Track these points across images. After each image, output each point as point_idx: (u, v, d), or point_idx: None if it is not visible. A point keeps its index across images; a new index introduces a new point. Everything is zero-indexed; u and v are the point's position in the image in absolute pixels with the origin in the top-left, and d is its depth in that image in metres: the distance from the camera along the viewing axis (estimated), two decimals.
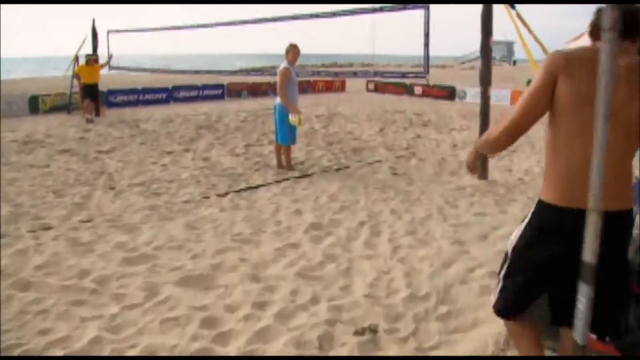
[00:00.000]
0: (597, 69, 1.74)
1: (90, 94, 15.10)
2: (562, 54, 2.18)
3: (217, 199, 7.19)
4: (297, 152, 10.28)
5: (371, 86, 28.44)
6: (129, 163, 9.59)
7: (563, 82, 2.13)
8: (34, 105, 17.09)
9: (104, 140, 12.06)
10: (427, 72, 10.67)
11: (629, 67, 2.11)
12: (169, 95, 20.91)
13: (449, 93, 24.80)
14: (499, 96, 23.93)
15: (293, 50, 8.61)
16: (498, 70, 58.20)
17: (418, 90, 25.99)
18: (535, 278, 2.34)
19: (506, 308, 2.49)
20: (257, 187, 7.81)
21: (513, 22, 7.37)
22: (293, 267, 4.76)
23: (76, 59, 15.86)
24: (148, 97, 20.20)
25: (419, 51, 11.27)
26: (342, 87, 28.53)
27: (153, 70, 21.77)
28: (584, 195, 1.87)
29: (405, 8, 10.52)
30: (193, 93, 21.80)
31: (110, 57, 16.89)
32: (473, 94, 24.54)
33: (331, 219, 6.19)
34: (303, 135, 12.52)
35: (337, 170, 8.92)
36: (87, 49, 16.26)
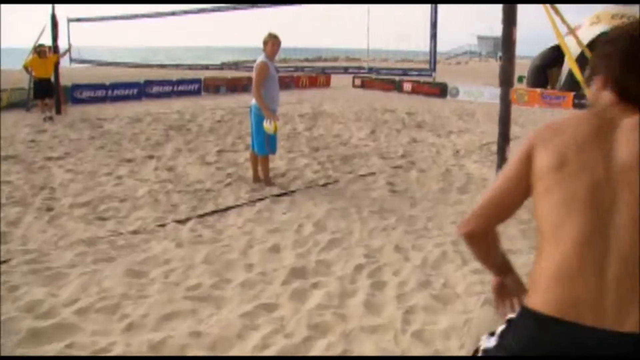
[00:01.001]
0: (585, 128, 1.49)
1: (44, 90, 13.51)
2: (545, 124, 1.62)
3: (175, 227, 5.77)
4: (278, 160, 8.87)
5: (358, 82, 27.06)
6: (80, 174, 8.11)
7: (540, 151, 1.55)
8: None
9: (58, 144, 10.54)
10: (434, 69, 9.24)
11: (635, 122, 1.47)
12: (140, 90, 19.34)
13: (441, 90, 23.53)
14: (494, 94, 22.74)
15: (272, 42, 7.20)
16: (486, 67, 57.33)
17: (407, 86, 24.68)
18: None
19: None
20: (226, 209, 6.40)
21: (552, 22, 6.10)
22: (266, 349, 3.37)
23: (35, 50, 14.20)
24: (117, 92, 18.62)
25: (418, 45, 9.89)
26: (326, 83, 27.13)
27: (127, 65, 19.84)
28: (590, 303, 1.34)
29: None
30: (167, 88, 20.26)
31: (68, 48, 15.27)
32: (465, 91, 23.36)
33: (318, 261, 4.80)
34: (285, 138, 11.11)
35: (324, 185, 7.52)
36: (47, 40, 14.63)
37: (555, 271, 1.44)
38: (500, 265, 1.81)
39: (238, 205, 6.52)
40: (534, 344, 1.43)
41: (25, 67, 13.29)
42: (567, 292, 1.41)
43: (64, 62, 14.18)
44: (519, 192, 1.62)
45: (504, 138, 6.62)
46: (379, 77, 25.15)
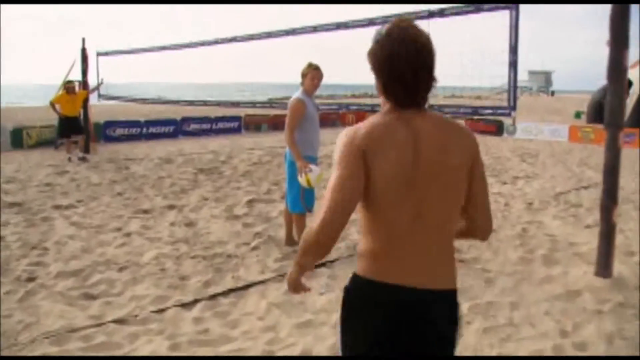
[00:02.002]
0: (403, 139, 1.80)
1: (70, 128, 12.60)
2: (359, 129, 1.84)
3: (177, 313, 4.41)
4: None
5: None
6: (84, 229, 6.92)
7: (375, 158, 1.79)
8: (18, 138, 14.76)
9: (75, 189, 9.46)
10: (514, 106, 7.41)
11: (435, 127, 1.84)
12: (177, 128, 18.44)
13: (497, 127, 21.83)
14: (555, 132, 20.95)
15: (312, 74, 5.87)
16: (538, 102, 55.01)
17: (460, 123, 23.05)
18: None
19: None
20: (247, 287, 4.99)
21: None
22: None
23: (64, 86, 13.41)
24: (153, 130, 17.74)
25: (481, 79, 8.40)
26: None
27: (160, 101, 18.88)
28: (409, 270, 1.83)
29: (480, 9, 7.56)
30: (205, 126, 19.31)
31: (99, 83, 14.44)
32: (524, 129, 21.58)
33: None
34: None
35: None
36: (76, 75, 13.86)
37: (382, 246, 1.84)
38: (308, 269, 2.01)
39: (262, 282, 5.10)
40: (368, 301, 1.84)
41: (52, 104, 12.46)
42: (394, 262, 1.83)
43: (92, 99, 13.32)
44: (357, 196, 1.80)
45: (610, 196, 5.03)
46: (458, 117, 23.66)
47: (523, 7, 7.41)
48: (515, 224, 7.22)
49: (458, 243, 6.21)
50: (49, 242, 6.35)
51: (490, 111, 7.99)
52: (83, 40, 13.55)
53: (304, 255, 1.90)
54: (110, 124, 16.87)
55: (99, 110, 14.78)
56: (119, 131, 16.94)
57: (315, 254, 1.88)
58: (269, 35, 12.78)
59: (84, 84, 13.75)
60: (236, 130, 20.55)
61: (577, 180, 10.89)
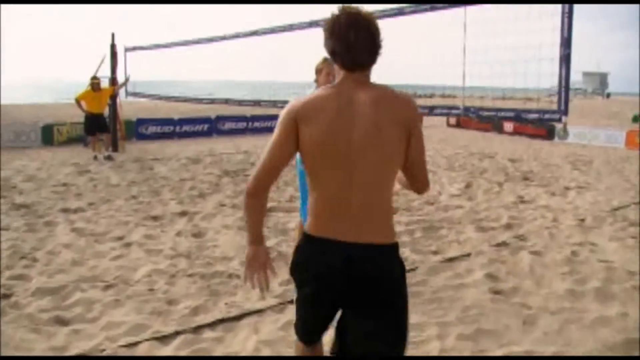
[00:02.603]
0: (334, 105, 2.04)
1: (96, 125, 12.24)
2: (298, 100, 2.12)
3: (150, 348, 3.75)
4: None
5: (452, 121, 24.59)
6: (84, 237, 6.40)
7: (305, 125, 2.05)
8: (48, 135, 14.58)
9: (91, 190, 9.02)
10: (565, 111, 6.45)
11: (370, 96, 2.07)
12: (211, 127, 17.98)
13: (547, 131, 20.51)
14: (611, 137, 19.48)
15: (328, 69, 5.11)
16: (592, 105, 52.35)
17: (508, 126, 21.85)
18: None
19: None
20: (240, 317, 4.30)
21: None
22: None
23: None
24: (186, 128, 17.34)
25: (530, 79, 7.43)
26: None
27: (192, 100, 18.36)
28: (339, 226, 2.07)
29: None
30: (241, 125, 18.80)
31: (126, 79, 14.06)
32: (577, 133, 20.17)
33: None
34: None
35: None
36: (107, 71, 13.51)
37: (321, 206, 2.12)
38: (260, 233, 2.20)
39: (259, 311, 4.39)
40: (310, 255, 2.16)
41: (77, 101, 12.14)
42: (328, 220, 2.10)
43: (121, 95, 12.95)
44: (286, 157, 2.12)
45: None
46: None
47: (577, 8, 6.42)
48: (564, 245, 6.28)
49: (495, 268, 5.34)
50: (42, 251, 5.84)
51: (536, 115, 6.99)
52: (112, 35, 13.20)
53: (244, 212, 2.19)
54: (142, 121, 16.56)
55: (126, 107, 14.38)
56: (152, 129, 16.61)
57: (248, 206, 2.15)
58: (310, 25, 11.86)
59: (113, 80, 13.41)
60: (272, 130, 19.95)
61: (636, 192, 9.75)
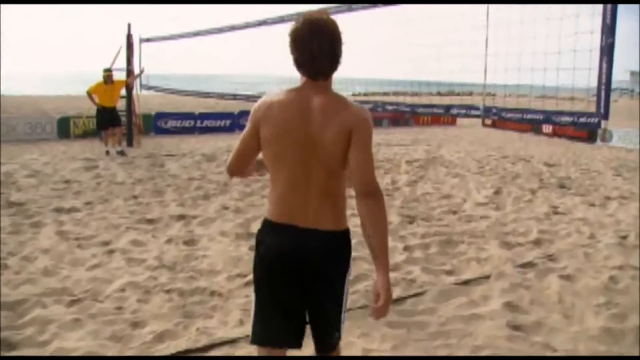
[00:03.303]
0: (291, 108, 2.29)
1: (108, 119, 11.83)
2: (263, 101, 2.37)
3: None
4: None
5: (488, 121, 23.53)
6: (67, 241, 5.92)
7: (265, 125, 2.32)
8: (64, 128, 14.31)
9: (92, 188, 8.58)
10: (605, 113, 5.47)
11: (322, 102, 2.28)
12: (233, 122, 17.45)
13: (589, 133, 19.30)
14: None
15: None
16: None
17: (547, 127, 20.72)
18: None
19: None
20: (206, 348, 3.69)
21: None
22: None
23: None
24: (207, 123, 16.85)
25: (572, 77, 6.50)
26: (452, 120, 23.95)
27: (210, 95, 17.65)
28: (294, 213, 2.34)
29: None
30: None
31: (140, 72, 13.63)
32: (622, 136, 18.92)
33: None
34: None
35: (399, 300, 4.55)
36: (123, 62, 13.10)
37: (279, 196, 2.37)
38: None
39: (231, 342, 3.77)
40: (270, 241, 2.40)
41: (89, 94, 11.75)
42: (286, 207, 2.36)
43: (136, 88, 12.52)
44: (252, 150, 2.43)
45: None
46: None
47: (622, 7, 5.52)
48: (601, 268, 5.47)
49: (517, 295, 4.59)
50: (17, 257, 5.37)
51: (568, 119, 6.09)
52: (129, 25, 12.79)
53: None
54: (161, 115, 16.16)
55: (155, 100, 14.00)
56: (171, 123, 16.20)
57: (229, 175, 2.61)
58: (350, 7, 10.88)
59: (129, 72, 13.01)
60: None
61: None
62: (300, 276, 2.35)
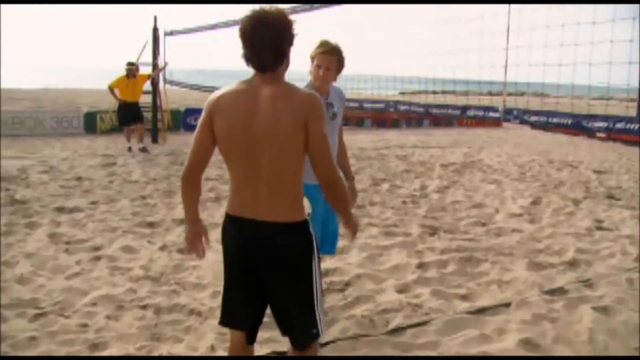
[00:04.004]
0: (241, 100, 2.32)
1: (129, 115, 11.56)
2: (215, 94, 2.40)
3: None
4: (354, 254, 5.51)
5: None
6: (57, 244, 5.58)
7: (217, 118, 2.33)
8: (91, 123, 14.20)
9: (103, 187, 8.29)
10: None
11: (272, 92, 2.31)
12: None
13: None
14: None
15: (318, 59, 3.87)
16: None
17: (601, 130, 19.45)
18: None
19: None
20: None
21: None
22: None
23: (136, 68, 12.41)
24: None
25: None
26: (497, 121, 22.89)
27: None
28: (251, 206, 2.36)
29: None
30: None
31: (164, 65, 13.32)
32: None
33: None
34: (398, 205, 7.70)
35: (400, 330, 3.93)
36: (149, 57, 12.84)
37: (235, 189, 2.42)
38: (195, 213, 2.57)
39: None
40: (230, 234, 2.46)
41: (110, 88, 11.52)
42: (240, 201, 2.40)
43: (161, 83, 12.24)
44: (207, 147, 2.40)
45: None
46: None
47: None
48: None
49: (539, 330, 3.88)
50: None
51: (603, 124, 5.28)
52: (155, 18, 12.51)
53: (181, 195, 2.55)
54: (191, 111, 15.87)
55: (196, 96, 13.69)
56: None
57: (181, 189, 2.51)
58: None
59: (154, 66, 12.75)
60: None
61: None
62: (258, 268, 2.41)
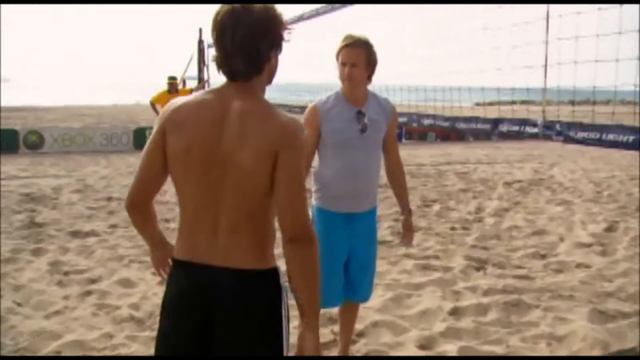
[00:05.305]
0: (203, 115, 1.80)
1: None
2: (172, 104, 1.89)
3: None
4: (375, 298, 4.71)
5: None
6: (55, 274, 5.15)
7: (171, 135, 1.84)
8: (140, 139, 14.08)
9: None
10: None
11: (242, 108, 1.82)
12: None
13: None
14: None
15: (342, 54, 3.14)
16: None
17: None
18: None
19: None
20: None
21: None
22: None
23: (183, 83, 12.15)
24: None
25: None
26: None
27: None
28: (204, 248, 1.84)
29: None
30: None
31: (206, 80, 12.92)
32: None
33: None
34: (445, 231, 6.80)
35: None
36: (195, 70, 12.57)
37: (184, 228, 1.89)
38: (158, 241, 2.13)
39: None
40: (173, 283, 1.91)
41: (152, 104, 11.22)
42: (192, 241, 1.86)
43: None
44: (157, 168, 1.89)
45: None
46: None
47: None
48: None
49: None
50: None
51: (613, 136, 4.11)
52: (200, 30, 12.21)
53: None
54: None
55: None
56: None
57: (132, 222, 2.09)
58: None
59: (199, 80, 12.43)
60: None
61: None
62: (205, 330, 1.84)
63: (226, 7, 1.81)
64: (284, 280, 1.92)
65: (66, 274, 5.18)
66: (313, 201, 3.29)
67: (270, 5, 1.84)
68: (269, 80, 1.95)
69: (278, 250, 1.83)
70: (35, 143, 15.92)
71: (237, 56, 1.81)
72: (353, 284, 3.33)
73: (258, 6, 1.81)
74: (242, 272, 1.85)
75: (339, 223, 3.20)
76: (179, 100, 1.89)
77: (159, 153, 1.87)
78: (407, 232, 3.42)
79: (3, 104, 43.13)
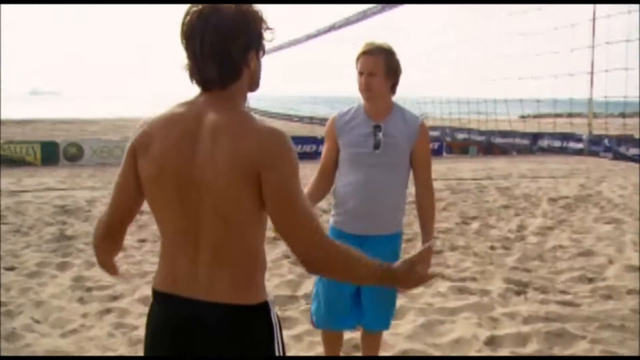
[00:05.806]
0: (174, 131, 1.61)
1: None
2: (142, 122, 1.71)
3: None
4: (398, 325, 4.41)
5: None
6: (75, 290, 5.05)
7: (142, 156, 1.65)
8: None
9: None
10: None
11: (216, 122, 1.59)
12: (318, 148, 16.26)
13: None
14: None
15: (362, 66, 2.94)
16: None
17: None
18: None
19: None
20: None
21: None
22: None
23: None
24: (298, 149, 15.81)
25: None
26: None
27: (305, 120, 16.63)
28: (184, 279, 1.64)
29: None
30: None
31: None
32: None
33: None
34: (486, 248, 6.46)
35: None
36: None
37: (164, 256, 1.71)
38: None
39: None
40: (154, 317, 1.72)
41: None
42: (170, 273, 1.67)
43: None
44: (128, 195, 1.71)
45: None
46: None
47: None
48: None
49: None
50: (6, 307, 4.55)
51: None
52: None
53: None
54: None
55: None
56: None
57: (97, 249, 1.89)
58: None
59: None
60: (436, 153, 17.51)
61: None
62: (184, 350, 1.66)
63: (194, 7, 1.62)
64: (276, 311, 1.75)
65: (88, 290, 5.07)
66: (330, 218, 3.09)
67: (243, 4, 1.64)
68: (253, 87, 1.74)
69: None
70: (74, 155, 16.28)
71: (208, 63, 1.62)
72: (365, 311, 3.07)
73: (228, 5, 1.61)
74: (228, 307, 1.64)
75: (350, 244, 2.96)
76: (149, 117, 1.71)
77: (132, 178, 1.69)
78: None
79: (52, 115, 44.61)
